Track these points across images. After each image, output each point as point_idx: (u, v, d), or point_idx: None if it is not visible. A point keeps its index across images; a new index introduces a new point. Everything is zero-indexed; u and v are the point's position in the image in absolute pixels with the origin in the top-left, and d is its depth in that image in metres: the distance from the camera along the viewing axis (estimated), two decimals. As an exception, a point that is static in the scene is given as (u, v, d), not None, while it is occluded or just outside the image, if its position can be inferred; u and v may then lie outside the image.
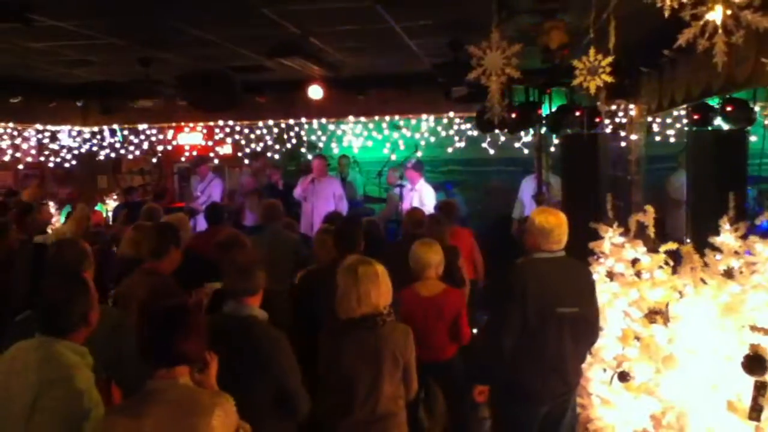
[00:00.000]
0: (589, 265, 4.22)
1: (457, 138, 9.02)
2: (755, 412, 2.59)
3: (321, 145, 10.60)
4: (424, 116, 8.87)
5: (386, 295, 3.31)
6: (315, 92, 7.66)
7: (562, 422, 3.77)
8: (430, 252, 4.30)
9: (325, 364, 3.32)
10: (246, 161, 10.23)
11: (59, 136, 9.84)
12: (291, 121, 9.46)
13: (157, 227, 4.27)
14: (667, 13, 2.29)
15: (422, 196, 8.41)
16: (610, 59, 3.54)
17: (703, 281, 3.34)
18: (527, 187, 8.86)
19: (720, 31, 2.03)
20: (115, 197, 10.37)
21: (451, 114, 8.59)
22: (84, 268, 3.60)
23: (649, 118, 7.00)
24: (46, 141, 9.78)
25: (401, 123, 9.46)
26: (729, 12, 2.00)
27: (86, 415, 2.51)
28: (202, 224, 8.41)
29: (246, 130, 9.96)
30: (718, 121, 5.64)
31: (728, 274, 3.32)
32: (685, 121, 6.62)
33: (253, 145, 10.08)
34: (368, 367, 3.26)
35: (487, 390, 3.82)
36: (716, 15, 2.03)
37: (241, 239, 4.62)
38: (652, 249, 3.88)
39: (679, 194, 7.54)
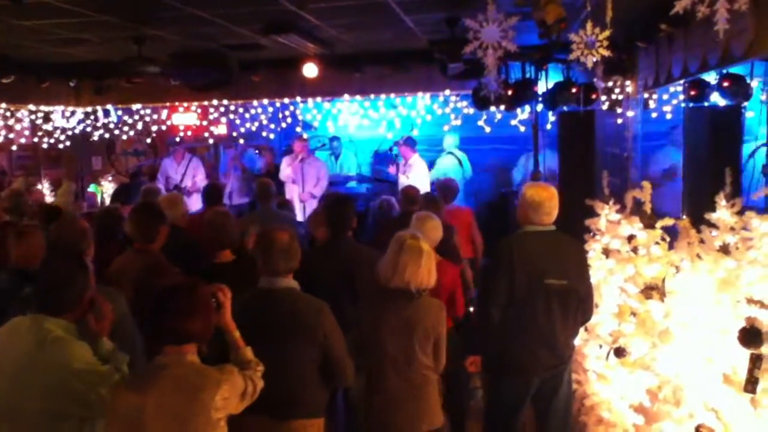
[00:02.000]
0: (584, 242, 4.23)
1: (453, 116, 8.97)
2: (750, 385, 2.61)
3: (316, 124, 10.54)
4: (420, 94, 8.81)
5: (425, 276, 3.35)
6: (310, 70, 7.59)
7: (556, 397, 3.81)
8: (429, 226, 4.31)
9: (364, 331, 3.38)
10: (241, 140, 10.17)
11: (52, 116, 9.76)
12: (286, 100, 9.39)
13: (143, 211, 4.25)
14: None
15: (416, 171, 8.60)
16: (607, 33, 3.51)
17: (699, 257, 3.35)
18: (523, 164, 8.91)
19: (722, -1, 2.01)
20: (110, 178, 10.33)
21: (447, 92, 8.53)
22: (83, 247, 3.60)
23: (646, 95, 6.97)
24: (39, 122, 9.70)
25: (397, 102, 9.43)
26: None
27: (82, 379, 2.53)
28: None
29: (241, 110, 9.89)
30: (714, 97, 5.63)
31: (724, 249, 3.33)
32: (681, 97, 6.60)
33: (248, 125, 10.02)
34: (402, 337, 3.33)
35: (479, 360, 3.89)
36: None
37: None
38: (648, 225, 3.88)
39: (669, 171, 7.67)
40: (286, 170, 8.79)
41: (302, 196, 8.50)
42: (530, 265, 3.63)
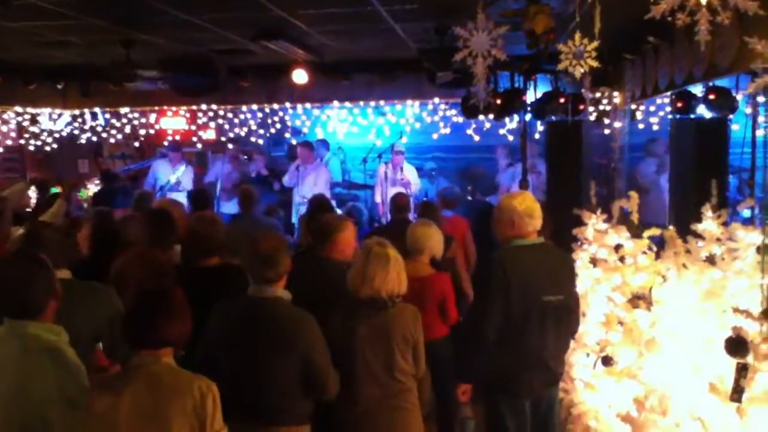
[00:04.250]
0: (571, 251, 4.25)
1: (442, 124, 9.00)
2: (737, 394, 2.62)
3: (305, 130, 10.54)
4: (409, 102, 8.84)
5: (394, 283, 3.30)
6: (299, 76, 7.59)
7: (552, 413, 3.73)
8: (429, 235, 4.30)
9: (336, 341, 3.26)
10: (230, 145, 10.14)
11: (39, 119, 9.68)
12: (275, 106, 9.38)
13: (160, 218, 4.23)
14: (652, -2, 2.29)
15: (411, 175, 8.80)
16: (595, 44, 3.54)
17: (686, 267, 3.37)
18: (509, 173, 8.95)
19: (704, 9, 2.03)
20: (96, 182, 10.25)
21: (437, 100, 8.56)
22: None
23: (633, 106, 7.03)
24: (26, 124, 9.62)
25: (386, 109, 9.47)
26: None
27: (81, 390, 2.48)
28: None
29: (230, 115, 9.87)
30: (700, 109, 5.68)
31: (710, 260, 3.36)
32: (668, 109, 6.66)
33: (237, 130, 10.00)
34: (380, 345, 3.29)
35: (470, 389, 3.74)
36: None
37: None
38: (635, 234, 3.91)
39: (647, 182, 7.77)
40: (288, 174, 8.87)
41: (296, 199, 8.54)
42: (526, 283, 3.46)
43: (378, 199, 8.92)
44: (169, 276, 3.73)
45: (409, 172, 8.96)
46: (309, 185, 8.62)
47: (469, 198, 9.18)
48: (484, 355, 3.53)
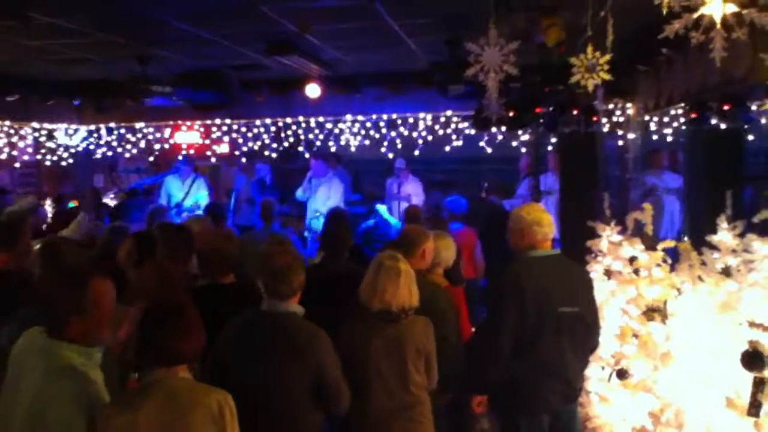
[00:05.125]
0: (585, 263, 4.23)
1: (454, 137, 9.02)
2: (754, 408, 2.60)
3: (318, 143, 10.60)
4: (421, 115, 8.87)
5: (405, 296, 3.29)
6: (313, 91, 7.65)
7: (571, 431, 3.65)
8: (443, 247, 4.30)
9: (348, 354, 3.25)
10: (243, 159, 10.22)
11: (56, 134, 9.82)
12: (288, 120, 9.45)
13: (177, 233, 4.26)
14: (665, 10, 2.29)
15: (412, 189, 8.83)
16: (608, 57, 3.54)
17: (701, 279, 3.35)
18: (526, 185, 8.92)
19: (719, 26, 2.03)
20: (111, 196, 10.35)
21: (449, 112, 8.59)
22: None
23: (647, 117, 7.01)
24: (43, 139, 9.76)
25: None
26: (729, 7, 1.99)
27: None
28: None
29: (243, 129, 9.95)
30: (715, 120, 5.66)
31: (726, 272, 3.33)
32: (682, 120, 6.64)
33: (250, 144, 10.07)
34: (393, 358, 3.28)
35: (485, 400, 3.71)
36: (714, 9, 2.02)
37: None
38: (650, 247, 3.88)
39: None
40: (301, 188, 8.90)
41: (309, 212, 8.56)
42: (542, 294, 3.44)
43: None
44: (179, 289, 3.74)
45: (412, 186, 8.95)
46: (322, 198, 8.63)
47: (483, 195, 9.19)
48: (499, 367, 3.50)
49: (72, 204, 8.87)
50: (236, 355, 3.12)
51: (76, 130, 10.05)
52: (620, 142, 7.23)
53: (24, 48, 6.04)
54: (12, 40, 5.69)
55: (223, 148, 10.42)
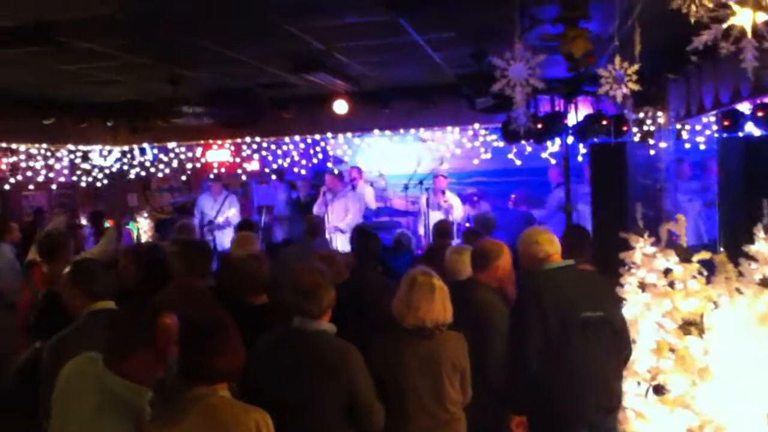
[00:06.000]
0: (618, 276, 4.16)
1: (483, 149, 8.98)
2: (796, 426, 2.51)
3: (347, 159, 10.66)
4: (448, 128, 8.85)
5: (439, 312, 3.26)
6: (340, 107, 7.70)
7: None
8: (464, 260, 4.28)
9: (381, 371, 3.22)
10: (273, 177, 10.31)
11: (90, 155, 10.05)
12: (317, 136, 9.52)
13: (194, 247, 4.30)
14: (693, 19, 2.26)
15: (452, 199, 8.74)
16: (636, 67, 3.49)
17: (739, 291, 3.26)
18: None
19: (749, 36, 1.99)
20: (145, 215, 10.53)
21: (477, 125, 8.56)
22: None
23: (678, 125, 6.90)
24: (78, 161, 9.99)
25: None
26: (760, 16, 1.95)
27: None
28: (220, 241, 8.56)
29: (273, 146, 10.06)
30: (749, 127, 5.55)
31: (764, 282, 3.25)
32: (715, 127, 6.52)
33: (279, 161, 10.17)
34: (429, 375, 3.25)
35: (525, 421, 3.61)
36: (744, 19, 1.98)
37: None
38: (685, 258, 3.80)
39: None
40: (316, 205, 8.94)
41: (328, 228, 8.57)
42: (562, 300, 3.47)
43: (420, 230, 8.87)
44: (213, 306, 3.77)
45: (453, 198, 8.91)
46: (339, 213, 8.64)
47: (510, 206, 9.12)
48: (528, 382, 3.47)
49: (107, 224, 9.03)
50: (267, 373, 3.12)
51: (110, 151, 10.26)
52: (651, 151, 7.12)
53: (58, 72, 6.19)
54: (47, 65, 5.84)
55: (254, 166, 10.55)
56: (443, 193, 8.71)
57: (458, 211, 8.79)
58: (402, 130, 8.97)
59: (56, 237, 5.19)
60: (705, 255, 3.68)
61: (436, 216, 8.23)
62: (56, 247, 4.94)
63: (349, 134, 9.32)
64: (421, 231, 8.76)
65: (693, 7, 2.21)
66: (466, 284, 4.02)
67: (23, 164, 9.19)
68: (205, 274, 4.14)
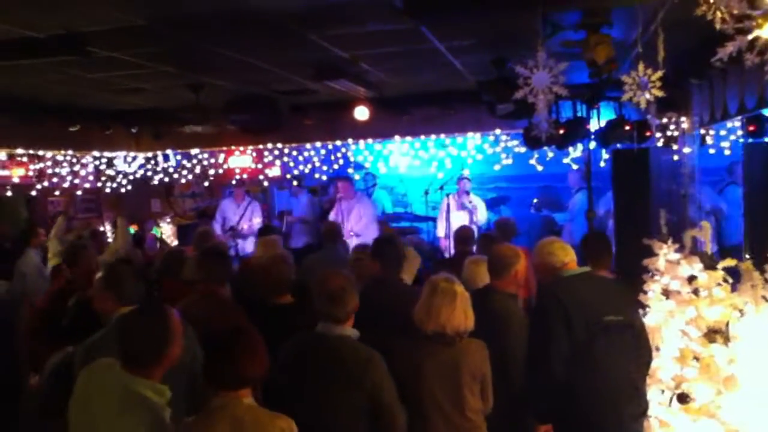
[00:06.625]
0: (642, 283, 4.13)
1: (504, 155, 8.96)
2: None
3: (367, 165, 10.68)
4: (470, 134, 8.84)
5: (460, 319, 3.26)
6: (361, 113, 7.72)
7: None
8: (483, 270, 4.27)
9: (401, 376, 3.22)
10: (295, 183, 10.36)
11: (115, 161, 10.19)
12: (338, 142, 9.56)
13: (213, 254, 4.35)
14: (718, 26, 2.24)
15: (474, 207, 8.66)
16: (659, 73, 3.47)
17: (765, 299, 3.23)
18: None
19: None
20: (168, 220, 10.65)
21: (498, 131, 8.54)
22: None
23: (702, 131, 6.83)
24: (102, 167, 10.14)
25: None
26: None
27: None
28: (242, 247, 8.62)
29: (294, 152, 10.12)
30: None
31: (791, 290, 3.21)
32: (740, 132, 6.44)
33: (301, 167, 10.24)
34: (449, 382, 3.25)
35: (550, 429, 3.59)
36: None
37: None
38: (709, 266, 3.76)
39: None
40: (333, 212, 8.98)
41: (345, 234, 8.58)
42: (584, 306, 3.44)
43: (441, 233, 8.86)
44: (235, 313, 3.81)
45: (477, 200, 8.88)
46: (355, 219, 8.66)
47: (533, 211, 9.06)
48: (554, 390, 3.43)
49: (131, 229, 9.14)
50: (291, 378, 3.15)
51: (134, 158, 10.40)
52: (675, 157, 7.05)
53: (84, 81, 6.29)
54: (73, 74, 5.94)
55: (275, 172, 10.62)
56: (468, 193, 8.67)
57: (482, 212, 8.75)
58: (423, 136, 8.97)
59: (79, 244, 5.38)
60: (730, 262, 3.64)
61: (459, 216, 8.22)
62: (78, 254, 5.16)
63: (369, 140, 9.35)
64: (441, 233, 8.73)
65: (718, 14, 2.20)
66: (484, 292, 4.01)
67: (49, 170, 9.35)
68: (224, 281, 4.18)
